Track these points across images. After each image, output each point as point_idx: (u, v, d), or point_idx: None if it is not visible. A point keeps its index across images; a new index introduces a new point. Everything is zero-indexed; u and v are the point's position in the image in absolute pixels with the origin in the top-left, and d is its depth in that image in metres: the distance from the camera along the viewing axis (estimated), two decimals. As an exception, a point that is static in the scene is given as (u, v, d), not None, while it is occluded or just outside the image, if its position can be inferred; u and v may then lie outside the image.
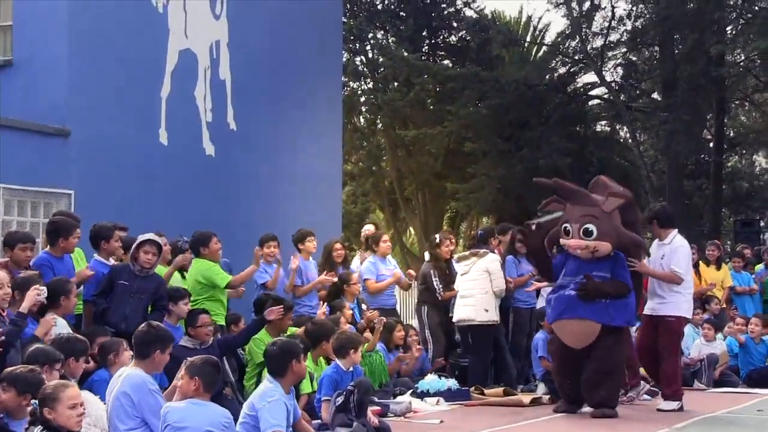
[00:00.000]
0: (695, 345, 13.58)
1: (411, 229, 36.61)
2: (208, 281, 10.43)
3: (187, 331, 9.50)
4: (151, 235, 9.66)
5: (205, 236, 10.65)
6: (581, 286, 9.04)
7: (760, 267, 16.54)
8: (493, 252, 12.35)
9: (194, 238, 10.73)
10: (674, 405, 10.34)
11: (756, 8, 26.63)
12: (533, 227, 9.84)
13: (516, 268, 12.62)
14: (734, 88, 29.98)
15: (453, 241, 13.51)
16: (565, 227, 9.11)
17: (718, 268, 15.59)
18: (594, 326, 8.97)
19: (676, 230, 10.63)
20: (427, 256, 13.28)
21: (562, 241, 9.16)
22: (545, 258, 9.78)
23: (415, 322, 14.37)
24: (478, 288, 11.97)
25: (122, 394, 6.86)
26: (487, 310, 11.93)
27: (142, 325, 7.35)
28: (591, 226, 8.90)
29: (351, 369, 9.27)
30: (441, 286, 12.50)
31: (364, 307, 12.41)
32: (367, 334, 11.43)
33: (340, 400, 8.81)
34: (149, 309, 9.53)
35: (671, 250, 10.34)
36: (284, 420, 7.12)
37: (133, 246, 9.56)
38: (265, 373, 7.61)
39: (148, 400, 6.85)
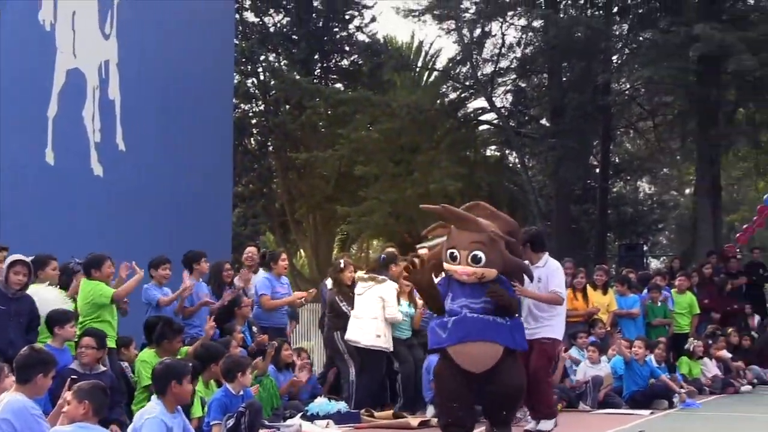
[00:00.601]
0: (580, 367, 13.83)
1: (301, 251, 36.53)
2: (95, 300, 10.28)
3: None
4: (19, 256, 9.54)
5: (99, 259, 10.49)
6: (490, 292, 8.80)
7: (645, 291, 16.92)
8: (393, 279, 12.35)
9: (88, 259, 10.57)
10: (551, 424, 10.45)
11: (640, 39, 27.30)
12: (417, 260, 9.56)
13: None
14: (619, 116, 30.70)
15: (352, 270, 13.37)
16: (452, 253, 8.89)
17: (605, 292, 15.88)
18: (498, 349, 8.82)
19: (547, 253, 10.79)
20: (329, 283, 13.19)
21: (447, 266, 8.93)
22: (436, 293, 9.19)
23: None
24: (369, 312, 11.99)
25: (2, 420, 6.68)
26: (379, 336, 11.95)
27: (24, 348, 7.21)
28: (480, 253, 8.72)
29: (241, 392, 9.22)
30: (350, 308, 12.45)
31: (255, 329, 12.33)
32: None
33: (231, 422, 8.77)
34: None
35: (548, 273, 10.46)
36: None
37: (4, 267, 9.43)
38: (155, 394, 7.53)
39: (31, 425, 6.70)
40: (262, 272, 13.12)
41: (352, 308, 12.35)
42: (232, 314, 11.95)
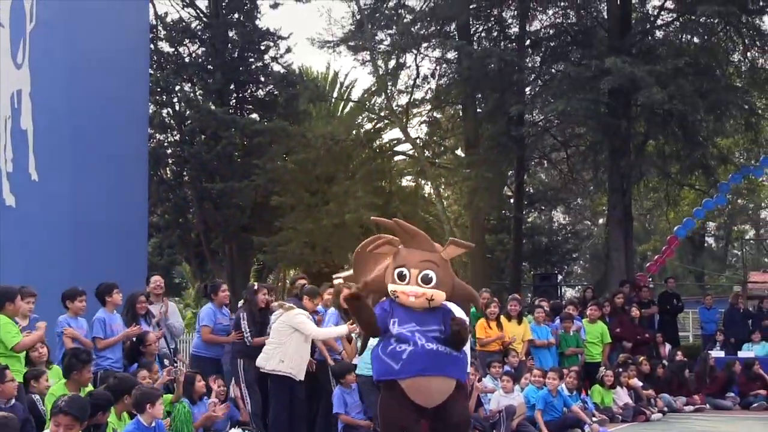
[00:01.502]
0: (494, 397, 13.95)
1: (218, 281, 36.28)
2: (1, 338, 10.13)
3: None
4: None
5: (10, 293, 10.32)
6: (455, 323, 8.13)
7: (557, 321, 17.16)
8: (303, 309, 12.36)
9: None
10: None
11: (553, 71, 27.69)
12: (340, 282, 9.32)
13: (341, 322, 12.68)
14: (533, 147, 30.99)
15: (266, 293, 13.34)
16: (401, 272, 8.24)
17: (519, 322, 16.06)
18: (452, 384, 8.35)
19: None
20: (240, 302, 13.28)
21: (393, 287, 8.23)
22: (374, 321, 8.34)
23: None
24: (275, 338, 12.02)
25: None
26: (282, 361, 11.95)
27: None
28: (431, 273, 8.12)
29: (153, 424, 9.16)
30: (251, 330, 12.44)
31: (166, 362, 12.26)
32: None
33: (143, 456, 8.71)
34: None
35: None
36: None
37: None
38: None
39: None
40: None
41: (254, 330, 12.44)
42: (139, 352, 11.92)
